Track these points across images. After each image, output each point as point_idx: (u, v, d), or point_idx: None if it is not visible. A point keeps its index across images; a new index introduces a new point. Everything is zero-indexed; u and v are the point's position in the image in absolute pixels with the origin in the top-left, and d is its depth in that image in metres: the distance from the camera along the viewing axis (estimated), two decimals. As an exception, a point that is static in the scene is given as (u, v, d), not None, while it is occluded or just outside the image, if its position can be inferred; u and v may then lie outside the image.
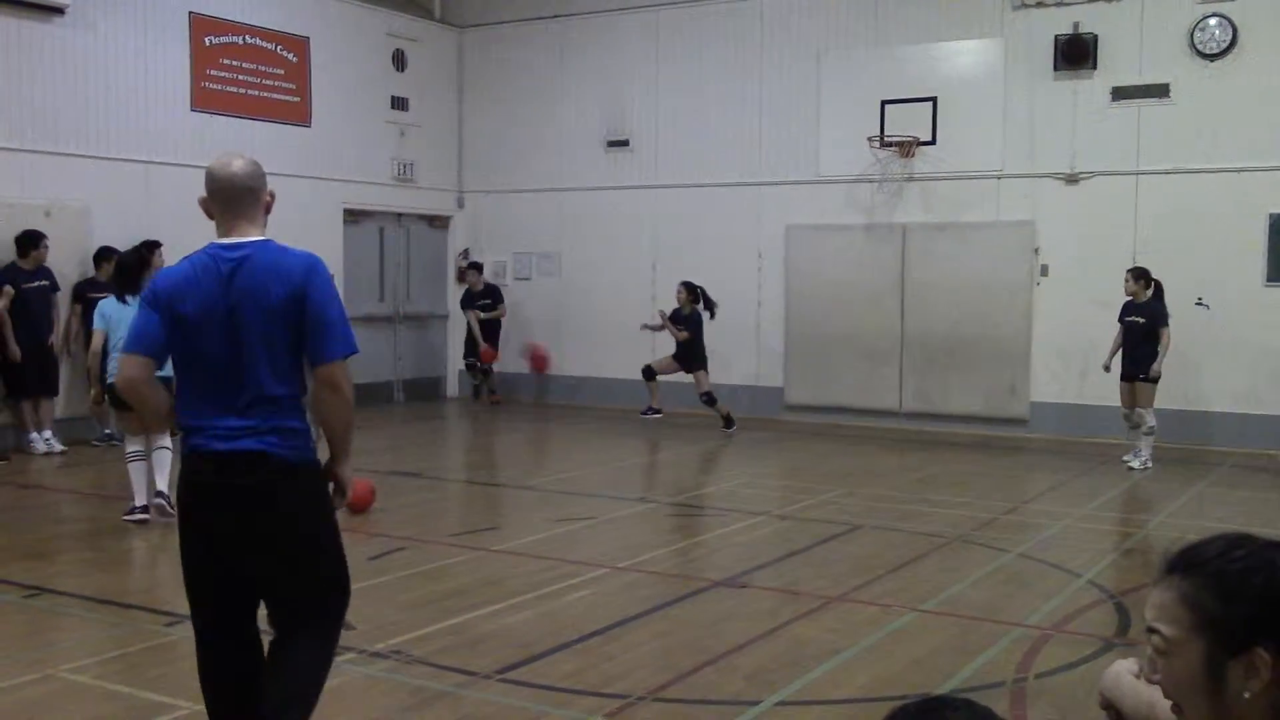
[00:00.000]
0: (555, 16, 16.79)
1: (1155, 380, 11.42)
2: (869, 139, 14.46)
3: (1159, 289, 11.58)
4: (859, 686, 5.45)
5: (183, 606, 6.52)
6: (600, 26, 16.52)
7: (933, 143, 14.30)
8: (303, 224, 15.19)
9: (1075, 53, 13.48)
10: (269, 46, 14.82)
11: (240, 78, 14.47)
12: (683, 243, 15.87)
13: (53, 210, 12.29)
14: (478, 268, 16.77)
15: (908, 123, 14.34)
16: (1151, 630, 1.80)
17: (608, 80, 16.51)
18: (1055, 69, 13.66)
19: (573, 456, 12.80)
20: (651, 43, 16.19)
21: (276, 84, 14.94)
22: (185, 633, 6.07)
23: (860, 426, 14.54)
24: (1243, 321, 12.89)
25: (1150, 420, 11.47)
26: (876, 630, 6.29)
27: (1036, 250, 13.91)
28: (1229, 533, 1.81)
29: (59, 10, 12.44)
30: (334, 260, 15.71)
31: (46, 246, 12.00)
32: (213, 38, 14.15)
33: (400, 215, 17.05)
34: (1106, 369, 11.76)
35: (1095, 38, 13.44)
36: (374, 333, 16.54)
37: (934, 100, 14.26)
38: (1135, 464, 11.56)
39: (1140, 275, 11.55)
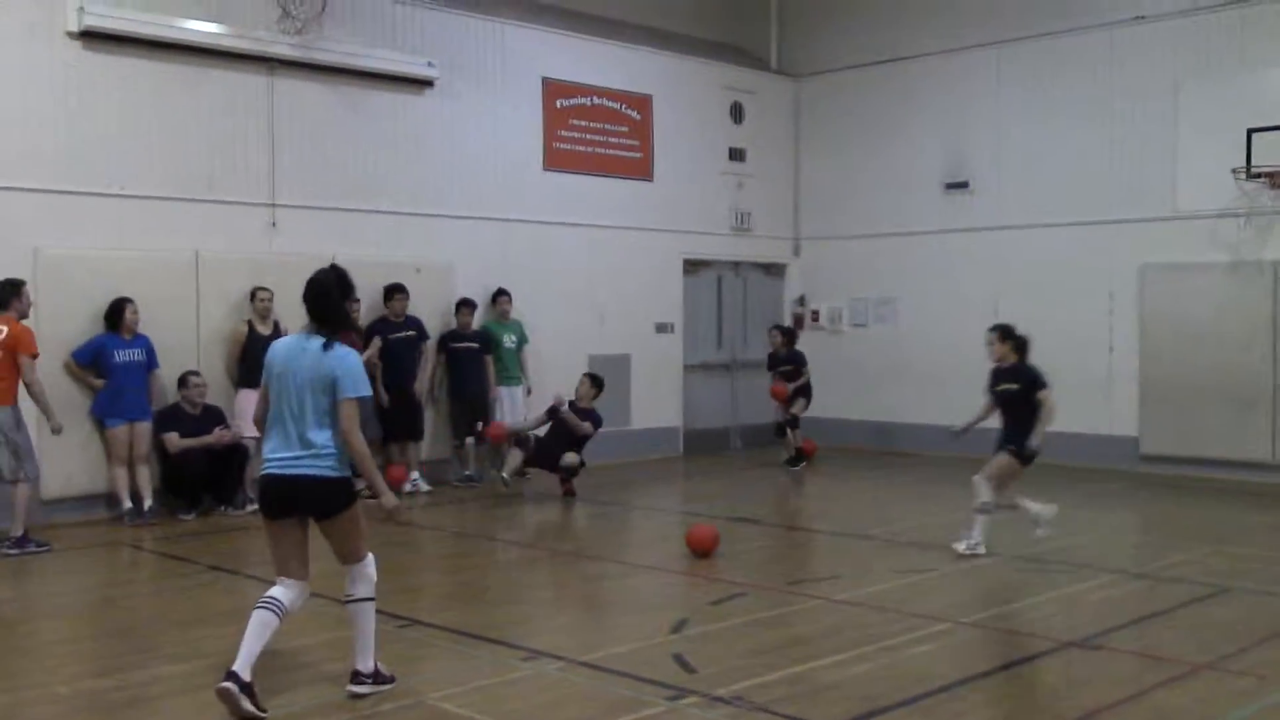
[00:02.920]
0: (895, 60, 16.68)
1: (1029, 459, 9.31)
2: (1234, 170, 13.50)
3: (1025, 348, 9.46)
4: (1232, 763, 5.05)
5: (537, 642, 6.90)
6: (940, 65, 16.26)
7: (1308, 172, 13.18)
8: (645, 274, 15.81)
9: None
10: (615, 106, 15.51)
11: (588, 137, 15.22)
12: (1027, 286, 15.28)
13: (422, 267, 13.28)
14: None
15: (1278, 152, 13.28)
16: None
17: (947, 121, 16.22)
18: None
19: (911, 505, 12.53)
20: (993, 79, 15.79)
21: (621, 141, 15.59)
22: (540, 668, 6.40)
23: (1225, 480, 13.49)
24: None
25: (985, 496, 9.37)
26: (1252, 702, 5.80)
27: None
28: None
29: (429, 83, 13.51)
30: (674, 309, 16.21)
31: (403, 298, 12.70)
32: (563, 100, 14.96)
33: (738, 264, 17.35)
34: (955, 435, 9.75)
35: None
36: (711, 380, 16.85)
37: (1309, 126, 13.15)
38: (962, 546, 9.40)
39: (1007, 335, 9.47)
